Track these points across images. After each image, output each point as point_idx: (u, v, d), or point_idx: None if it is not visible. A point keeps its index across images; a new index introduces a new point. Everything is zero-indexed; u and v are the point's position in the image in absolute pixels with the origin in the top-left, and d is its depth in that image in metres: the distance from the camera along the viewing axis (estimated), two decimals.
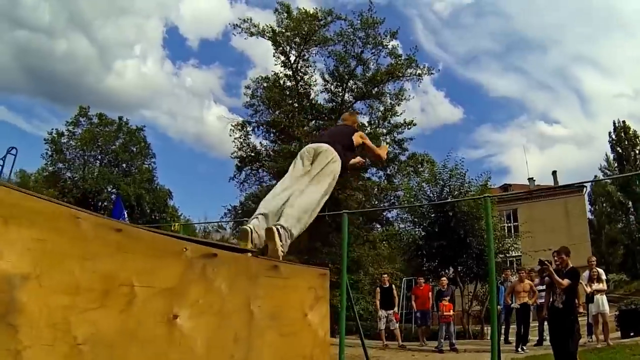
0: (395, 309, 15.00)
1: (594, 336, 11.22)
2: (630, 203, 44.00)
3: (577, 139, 66.68)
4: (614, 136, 45.27)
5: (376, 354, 11.50)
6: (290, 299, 3.03)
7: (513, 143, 67.79)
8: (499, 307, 14.18)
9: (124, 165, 36.88)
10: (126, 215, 16.44)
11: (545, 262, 7.65)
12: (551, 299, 7.34)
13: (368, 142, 4.67)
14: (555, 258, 7.49)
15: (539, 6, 70.38)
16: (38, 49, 56.32)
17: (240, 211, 26.97)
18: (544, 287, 12.68)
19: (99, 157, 36.28)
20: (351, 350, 10.60)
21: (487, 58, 74.43)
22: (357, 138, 4.44)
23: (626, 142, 43.71)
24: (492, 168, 77.47)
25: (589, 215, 41.98)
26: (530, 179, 36.65)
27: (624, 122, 44.83)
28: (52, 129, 35.12)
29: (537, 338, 12.52)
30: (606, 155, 46.56)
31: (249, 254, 2.83)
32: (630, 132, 44.04)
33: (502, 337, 13.19)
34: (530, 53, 74.10)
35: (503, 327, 13.31)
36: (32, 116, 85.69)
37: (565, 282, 6.93)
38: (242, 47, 64.39)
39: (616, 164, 45.13)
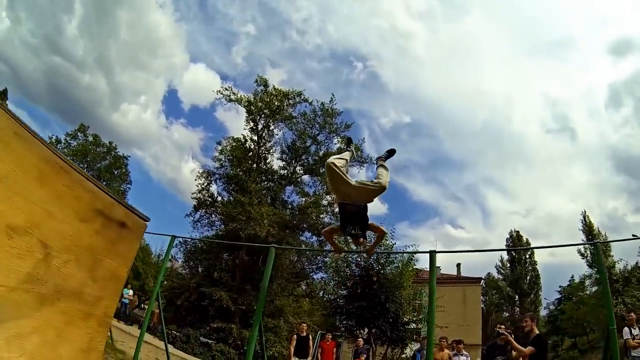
0: (309, 359, 13.17)
1: None
2: (517, 297, 45.61)
3: (475, 243, 70.72)
4: (510, 242, 47.06)
5: None
6: None
7: (425, 239, 71.54)
8: None
9: (104, 183, 35.99)
10: None
11: (503, 332, 6.40)
12: None
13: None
14: (523, 320, 6.23)
15: (462, 133, 76.47)
16: (66, 75, 59.85)
17: (190, 245, 26.72)
18: (466, 359, 11.45)
19: (85, 170, 34.73)
20: None
21: (414, 169, 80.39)
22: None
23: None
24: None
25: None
26: (438, 267, 36.26)
27: (517, 231, 47.60)
28: (53, 135, 36.25)
29: None
30: (501, 257, 48.90)
31: None
32: (523, 239, 46.58)
33: None
34: (449, 169, 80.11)
35: None
36: (46, 128, 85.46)
37: (528, 349, 5.70)
38: (223, 118, 68.43)
39: (509, 265, 47.45)
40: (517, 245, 45.19)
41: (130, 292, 20.98)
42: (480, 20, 77.19)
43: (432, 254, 6.58)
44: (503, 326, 7.45)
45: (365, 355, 12.66)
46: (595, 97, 73.30)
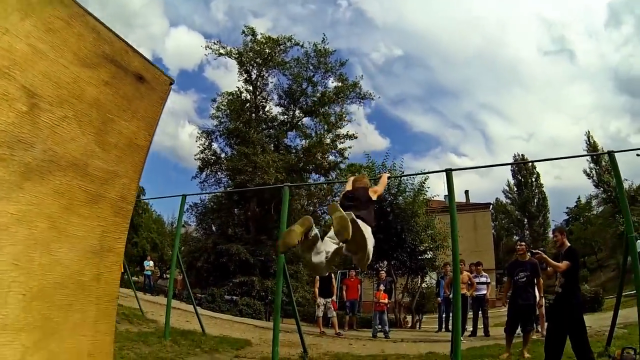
0: (334, 297, 12.76)
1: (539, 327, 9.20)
2: (526, 220, 45.46)
3: (480, 170, 69.99)
4: (514, 167, 46.34)
5: (313, 341, 9.14)
6: None
7: (430, 169, 69.89)
8: (439, 299, 12.44)
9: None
10: None
11: (537, 251, 5.71)
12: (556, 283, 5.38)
13: (379, 190, 4.69)
14: (553, 235, 5.81)
15: (455, 62, 73.82)
16: None
17: (200, 207, 26.37)
18: (486, 280, 10.98)
19: None
20: (288, 335, 8.52)
21: (411, 101, 78.17)
22: (372, 195, 4.47)
23: (525, 171, 44.93)
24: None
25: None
26: (446, 196, 35.81)
27: (522, 155, 46.31)
28: None
29: (472, 329, 10.53)
30: (508, 181, 48.32)
31: None
32: (528, 164, 45.49)
33: (443, 327, 11.72)
34: (446, 99, 77.87)
35: (444, 316, 11.77)
36: None
37: (564, 264, 5.08)
38: (213, 77, 64.00)
39: (516, 189, 47.11)
40: (523, 168, 44.56)
41: (151, 263, 20.60)
42: None
43: (449, 172, 5.84)
44: (524, 243, 7.11)
45: (384, 287, 12.33)
46: (594, 16, 69.85)
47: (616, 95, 66.46)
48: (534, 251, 5.88)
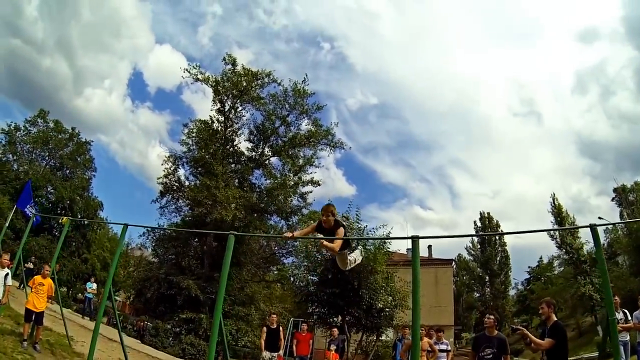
0: (280, 352, 11.82)
1: None
2: (487, 277, 45.72)
3: (444, 224, 71.29)
4: (479, 223, 47.17)
5: None
6: None
7: (394, 220, 71.57)
8: None
9: (67, 171, 34.40)
10: (32, 201, 13.36)
11: (518, 327, 5.45)
12: None
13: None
14: (541, 303, 5.28)
15: (429, 115, 76.13)
16: (26, 59, 55.73)
17: (158, 233, 25.43)
18: (446, 347, 10.30)
19: (47, 158, 33.85)
20: None
21: (382, 150, 79.63)
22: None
23: (489, 230, 45.20)
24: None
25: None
26: (409, 249, 35.62)
27: (488, 213, 47.36)
28: (12, 122, 33.37)
29: None
30: (472, 239, 48.63)
31: None
32: (493, 221, 46.48)
33: None
34: (417, 152, 79.70)
35: None
36: (6, 115, 79.23)
37: (547, 342, 4.79)
38: (190, 101, 66.02)
39: (479, 246, 47.40)
40: (488, 227, 45.05)
41: (94, 285, 19.11)
42: (449, 1, 76.36)
43: (415, 239, 5.26)
44: (492, 317, 6.32)
45: (335, 346, 11.57)
46: (562, 82, 73.76)
47: (578, 158, 69.62)
48: (514, 327, 5.54)
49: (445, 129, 77.42)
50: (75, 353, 8.62)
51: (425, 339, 9.53)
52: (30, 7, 56.32)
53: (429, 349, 9.49)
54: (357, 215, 15.85)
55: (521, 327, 5.14)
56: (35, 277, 8.72)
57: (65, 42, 59.59)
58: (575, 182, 67.23)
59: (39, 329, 7.99)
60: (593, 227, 4.99)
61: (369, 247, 15.24)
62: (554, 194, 38.44)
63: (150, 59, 68.28)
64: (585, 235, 35.80)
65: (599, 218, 31.50)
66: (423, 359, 9.11)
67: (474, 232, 46.43)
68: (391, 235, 14.94)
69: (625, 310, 8.27)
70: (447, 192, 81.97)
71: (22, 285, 12.94)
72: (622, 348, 7.72)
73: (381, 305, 15.31)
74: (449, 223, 71.48)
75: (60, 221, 21.19)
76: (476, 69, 77.02)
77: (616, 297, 8.31)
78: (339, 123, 28.63)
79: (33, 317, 7.80)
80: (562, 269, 37.25)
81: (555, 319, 5.01)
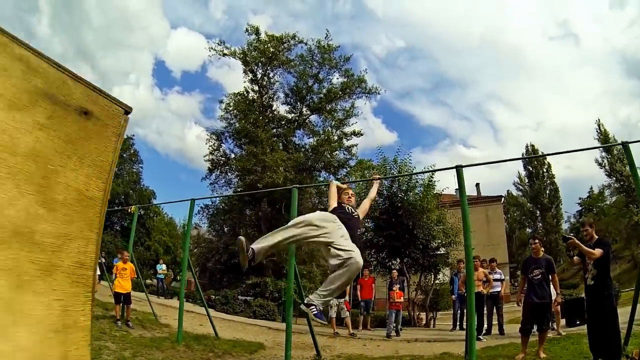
0: (347, 297, 12.66)
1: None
2: (538, 212, 44.80)
3: (488, 160, 68.38)
4: (526, 160, 46.38)
5: (327, 343, 9.09)
6: None
7: (440, 163, 69.77)
8: (453, 296, 12.28)
9: (116, 168, 35.77)
10: None
11: (569, 236, 5.57)
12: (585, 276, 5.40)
13: (372, 198, 5.01)
14: (582, 230, 5.60)
15: (459, 52, 73.10)
16: None
17: (212, 209, 26.73)
18: (500, 276, 10.80)
19: None
20: (302, 337, 8.47)
21: (417, 93, 77.47)
22: (365, 209, 4.80)
23: (536, 163, 44.05)
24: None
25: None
26: (457, 189, 35.47)
27: (532, 146, 45.72)
28: None
29: (486, 327, 10.35)
30: (518, 173, 47.70)
31: None
32: (538, 153, 44.27)
33: (458, 325, 11.60)
34: (452, 90, 77.09)
35: (458, 314, 11.65)
36: None
37: (598, 251, 5.05)
38: (216, 77, 65.05)
39: (527, 181, 46.38)
40: (534, 160, 43.94)
41: (164, 266, 20.71)
42: None
43: (459, 168, 5.70)
44: (537, 240, 6.94)
45: (398, 286, 12.10)
46: None
47: (625, 79, 65.29)
48: (566, 236, 5.72)
49: (477, 62, 74.42)
50: (163, 324, 9.72)
51: (481, 269, 10.11)
52: (42, 27, 58.85)
53: (484, 278, 10.06)
54: (404, 161, 16.05)
55: (572, 237, 5.44)
56: (117, 263, 9.96)
57: (84, 48, 61.48)
58: (624, 105, 63.23)
59: (128, 308, 9.13)
60: (625, 145, 5.25)
61: (418, 189, 15.65)
62: (599, 120, 37.09)
63: (169, 45, 69.23)
64: (635, 160, 34.51)
65: None
66: (479, 287, 9.69)
67: (520, 168, 45.34)
68: (436, 168, 15.04)
69: None
70: (488, 128, 79.61)
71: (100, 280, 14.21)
72: None
73: (436, 244, 15.84)
74: (495, 159, 69.66)
75: (129, 210, 22.83)
76: None
77: None
78: (368, 70, 28.85)
79: (122, 298, 8.96)
80: (613, 198, 36.17)
81: (597, 236, 5.34)
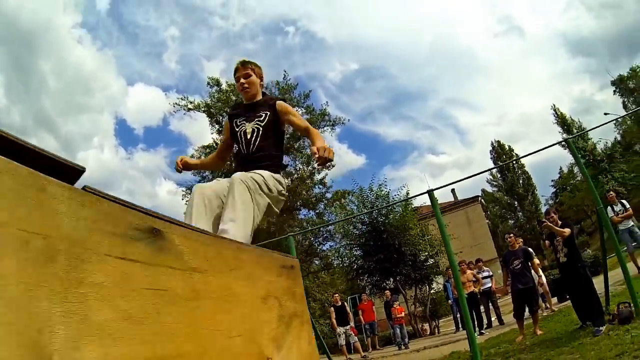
0: (351, 323, 13.30)
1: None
2: (516, 202, 46.23)
3: (460, 164, 70.74)
4: (493, 154, 47.77)
5: None
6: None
7: (412, 175, 71.07)
8: (449, 301, 13.05)
9: None
10: None
11: (543, 220, 6.49)
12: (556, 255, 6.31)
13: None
14: (547, 218, 6.38)
15: (413, 64, 75.62)
16: None
17: None
18: (488, 273, 11.69)
19: None
20: None
21: (379, 112, 78.88)
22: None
23: (504, 157, 45.64)
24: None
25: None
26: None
27: (498, 141, 47.91)
28: None
29: (487, 321, 11.22)
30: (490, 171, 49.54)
31: None
32: (505, 148, 47.00)
33: (460, 326, 12.26)
34: (412, 102, 79.17)
35: (458, 316, 12.36)
36: None
37: (567, 230, 5.94)
38: (179, 128, 65.13)
39: (499, 175, 48.11)
40: (502, 154, 45.46)
41: None
42: None
43: (431, 193, 6.54)
44: (512, 234, 7.73)
45: (398, 302, 12.88)
46: None
47: (570, 59, 68.98)
48: (540, 220, 6.68)
49: (432, 71, 76.92)
50: None
51: (468, 271, 11.04)
52: None
53: (474, 278, 11.00)
54: (382, 185, 17.11)
55: (545, 220, 6.31)
56: None
57: (43, 116, 61.11)
58: (575, 83, 66.83)
59: None
60: (567, 141, 6.25)
61: (396, 211, 16.55)
62: (554, 105, 39.23)
63: (128, 102, 68.13)
64: (595, 134, 36.52)
65: (605, 114, 32.20)
66: (471, 288, 10.63)
67: (491, 165, 46.84)
68: (409, 195, 16.04)
69: (624, 201, 9.36)
70: (453, 132, 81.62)
71: None
72: (627, 234, 8.95)
73: (424, 257, 16.69)
74: (465, 161, 71.47)
75: None
76: (444, 2, 76.08)
77: (611, 192, 9.70)
78: (327, 100, 29.43)
79: None
80: None
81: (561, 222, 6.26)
